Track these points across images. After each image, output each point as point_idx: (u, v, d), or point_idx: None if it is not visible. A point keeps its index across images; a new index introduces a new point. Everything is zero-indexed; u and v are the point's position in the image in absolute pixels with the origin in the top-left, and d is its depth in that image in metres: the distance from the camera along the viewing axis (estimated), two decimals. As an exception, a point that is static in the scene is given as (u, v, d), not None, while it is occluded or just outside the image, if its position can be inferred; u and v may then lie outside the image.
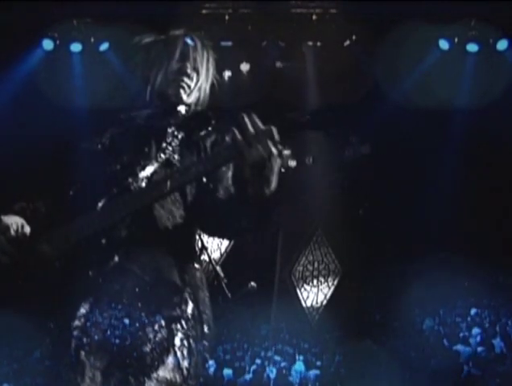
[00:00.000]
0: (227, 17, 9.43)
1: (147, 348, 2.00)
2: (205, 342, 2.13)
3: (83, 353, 1.99)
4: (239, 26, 9.49)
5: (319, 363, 9.73)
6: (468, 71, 9.73)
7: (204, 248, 3.45)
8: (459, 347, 8.64)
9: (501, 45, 9.37)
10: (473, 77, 9.67)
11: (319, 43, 9.81)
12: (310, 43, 9.81)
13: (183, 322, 2.06)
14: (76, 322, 2.03)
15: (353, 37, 9.58)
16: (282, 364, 9.57)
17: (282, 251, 12.86)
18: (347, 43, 9.65)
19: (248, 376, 9.26)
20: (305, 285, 13.58)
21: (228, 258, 13.32)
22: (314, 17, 9.41)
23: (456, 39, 9.49)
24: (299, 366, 9.56)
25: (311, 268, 13.71)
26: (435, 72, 9.52)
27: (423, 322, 10.67)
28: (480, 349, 8.39)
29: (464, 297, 11.16)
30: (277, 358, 9.86)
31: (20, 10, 8.59)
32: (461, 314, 10.76)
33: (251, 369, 9.45)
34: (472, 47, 9.49)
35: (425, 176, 10.57)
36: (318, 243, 13.85)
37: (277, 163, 1.95)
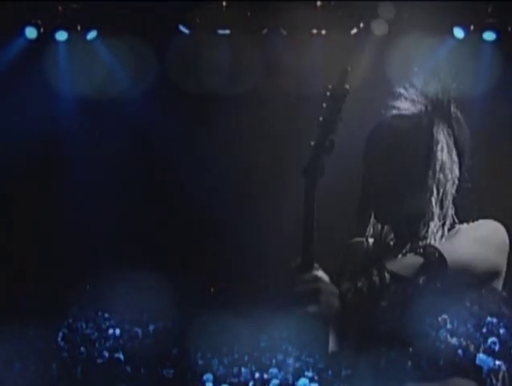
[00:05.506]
0: (224, 3, 9.37)
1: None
2: None
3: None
4: (237, 13, 9.44)
5: (324, 378, 9.68)
6: (484, 61, 9.68)
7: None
8: (475, 359, 8.58)
9: (520, 33, 9.35)
10: (490, 68, 9.61)
11: (324, 32, 9.74)
12: (314, 31, 9.74)
13: None
14: (61, 335, 1.99)
15: (361, 25, 9.51)
16: (284, 379, 9.55)
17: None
18: (354, 31, 9.58)
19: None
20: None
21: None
22: (318, 3, 9.35)
23: (471, 27, 9.44)
24: (303, 382, 9.52)
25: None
26: (450, 63, 9.48)
27: (437, 331, 10.62)
28: (499, 362, 8.33)
29: (480, 304, 11.09)
30: (279, 372, 9.83)
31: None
32: (477, 323, 10.71)
33: (251, 384, 9.44)
34: (489, 36, 9.44)
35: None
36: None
37: None
